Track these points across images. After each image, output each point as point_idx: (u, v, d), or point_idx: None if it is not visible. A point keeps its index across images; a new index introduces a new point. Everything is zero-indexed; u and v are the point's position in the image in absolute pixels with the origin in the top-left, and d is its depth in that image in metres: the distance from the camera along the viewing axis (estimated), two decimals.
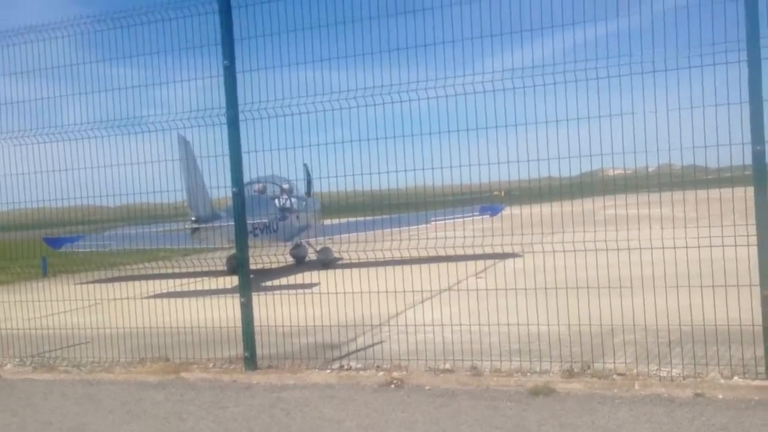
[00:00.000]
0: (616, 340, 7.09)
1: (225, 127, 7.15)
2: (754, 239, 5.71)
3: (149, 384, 6.95)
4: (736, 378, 5.69)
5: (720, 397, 5.36)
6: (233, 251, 8.41)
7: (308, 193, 17.87)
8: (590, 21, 6.15)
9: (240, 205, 7.25)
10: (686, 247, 6.17)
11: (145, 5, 7.53)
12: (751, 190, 5.73)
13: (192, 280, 15.15)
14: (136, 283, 13.07)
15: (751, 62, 5.58)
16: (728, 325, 6.01)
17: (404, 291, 7.38)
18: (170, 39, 7.48)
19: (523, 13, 6.30)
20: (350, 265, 11.42)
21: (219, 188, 7.52)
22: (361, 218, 15.74)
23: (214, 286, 14.07)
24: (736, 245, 5.90)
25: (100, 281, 14.54)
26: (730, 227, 5.99)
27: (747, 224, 5.76)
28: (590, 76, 6.09)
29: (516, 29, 6.38)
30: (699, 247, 6.05)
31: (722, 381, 5.66)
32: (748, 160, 5.79)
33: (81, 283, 12.96)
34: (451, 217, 15.72)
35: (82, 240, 16.96)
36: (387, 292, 7.56)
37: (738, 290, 6.06)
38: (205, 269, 10.80)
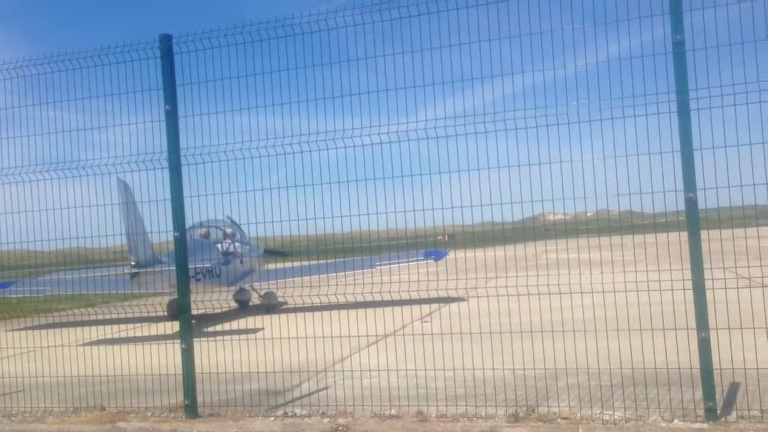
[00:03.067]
0: (560, 384, 7.15)
1: (166, 171, 7.07)
2: (689, 283, 5.87)
3: None
4: (676, 421, 5.78)
5: None
6: (174, 296, 8.23)
7: (272, 253, 17.94)
8: (528, 71, 6.35)
9: (182, 250, 7.13)
10: (625, 291, 6.30)
11: (88, 50, 7.48)
12: (685, 235, 5.92)
13: (131, 326, 14.75)
14: (72, 329, 12.66)
15: (680, 113, 5.81)
16: (668, 368, 6.13)
17: (349, 336, 7.31)
18: (112, 83, 7.43)
19: (463, 63, 6.47)
20: (295, 310, 11.31)
21: (160, 233, 7.40)
22: (306, 263, 15.67)
23: (153, 332, 13.72)
24: (672, 289, 6.06)
25: (34, 328, 14.03)
26: (667, 271, 6.16)
27: (682, 269, 5.93)
28: (530, 125, 6.24)
29: (457, 78, 6.54)
30: (638, 291, 6.19)
31: (663, 424, 5.75)
32: (682, 206, 5.98)
33: (13, 330, 12.49)
34: (396, 261, 15.75)
35: (15, 285, 16.41)
36: (332, 336, 7.50)
37: (676, 333, 6.21)
38: (145, 315, 10.55)
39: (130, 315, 10.06)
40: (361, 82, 6.82)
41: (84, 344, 11.92)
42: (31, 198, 7.75)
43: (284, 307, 16.09)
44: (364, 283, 8.27)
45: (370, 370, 7.83)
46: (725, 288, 5.86)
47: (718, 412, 5.75)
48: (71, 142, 7.71)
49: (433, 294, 7.17)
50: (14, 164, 7.77)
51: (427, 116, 6.65)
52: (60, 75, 7.64)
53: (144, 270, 13.29)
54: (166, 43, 7.08)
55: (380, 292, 7.45)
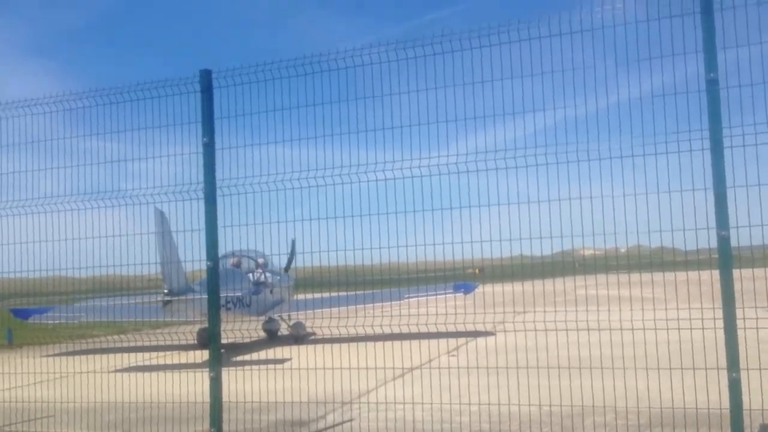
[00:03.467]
0: (587, 422, 7.07)
1: (202, 202, 7.22)
2: (721, 322, 5.80)
3: None
4: None
5: None
6: (205, 324, 8.33)
7: (287, 268, 17.90)
8: (560, 107, 6.40)
9: (213, 279, 7.24)
10: (655, 329, 6.24)
11: (130, 84, 7.72)
12: (717, 273, 5.86)
13: (161, 353, 14.90)
14: (104, 356, 12.86)
15: (714, 150, 5.80)
16: (697, 408, 6.04)
17: (376, 368, 7.33)
18: (153, 116, 7.65)
19: (495, 98, 6.54)
20: (323, 341, 11.35)
21: (194, 261, 7.54)
22: (335, 294, 15.71)
23: (183, 360, 13.84)
24: (703, 327, 5.99)
25: (68, 354, 14.26)
26: (698, 310, 6.10)
27: (713, 307, 5.87)
28: (561, 160, 6.28)
29: (489, 113, 6.61)
30: (668, 329, 6.12)
31: None
32: (714, 244, 5.94)
33: (48, 356, 12.70)
34: (425, 294, 15.73)
35: (51, 311, 16.70)
36: (359, 368, 7.51)
37: (706, 372, 6.12)
38: (175, 343, 10.69)
39: (161, 342, 10.19)
40: (385, 117, 6.96)
41: (115, 371, 12.07)
42: (73, 226, 7.96)
43: (312, 337, 16.13)
44: (392, 315, 8.29)
45: (395, 403, 7.83)
46: (757, 327, 5.78)
47: None
48: (112, 172, 7.94)
49: (462, 327, 7.18)
50: (56, 193, 8.00)
51: (459, 150, 6.73)
52: (102, 108, 7.90)
53: (177, 298, 13.45)
54: (206, 78, 7.29)
55: (408, 324, 7.48)
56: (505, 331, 7.43)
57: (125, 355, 13.96)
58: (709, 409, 5.96)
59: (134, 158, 7.82)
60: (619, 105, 6.22)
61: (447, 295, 15.72)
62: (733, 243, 5.86)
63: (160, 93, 7.49)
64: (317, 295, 18.18)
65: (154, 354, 14.92)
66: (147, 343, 11.38)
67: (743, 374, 5.66)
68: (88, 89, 7.92)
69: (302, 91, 7.16)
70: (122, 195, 7.77)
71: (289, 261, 16.82)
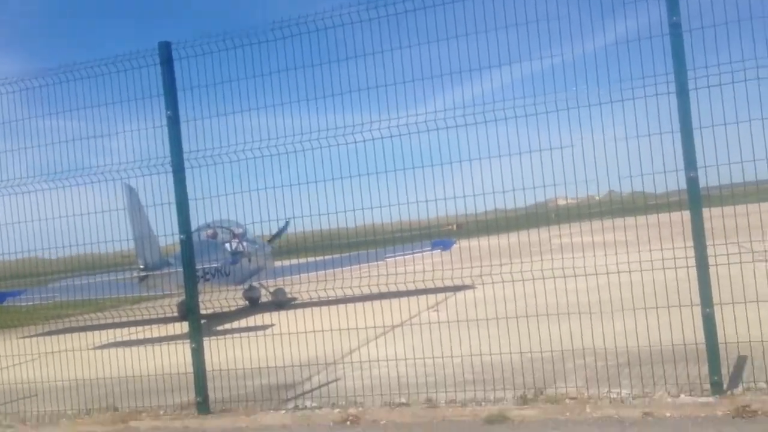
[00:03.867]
0: (568, 365, 7.20)
1: (171, 175, 7.15)
2: (693, 261, 5.90)
3: None
4: (682, 396, 5.83)
5: (668, 415, 5.48)
6: (184, 297, 8.30)
7: (271, 240, 17.99)
8: (527, 60, 6.38)
9: (188, 252, 7.21)
10: (629, 271, 6.34)
11: (90, 60, 7.59)
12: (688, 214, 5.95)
13: (141, 328, 14.85)
14: (83, 334, 12.73)
15: (679, 93, 5.84)
16: (673, 345, 6.16)
17: (357, 328, 7.38)
18: (114, 92, 7.53)
19: (461, 54, 6.49)
20: (304, 305, 11.36)
21: (167, 236, 7.49)
22: (314, 259, 15.72)
23: (165, 333, 13.81)
24: (676, 267, 6.09)
25: (46, 334, 14.14)
26: (670, 250, 6.19)
27: (685, 247, 5.96)
28: (530, 112, 6.28)
29: (456, 70, 6.56)
30: (641, 270, 6.21)
31: (669, 400, 5.79)
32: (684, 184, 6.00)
33: (25, 337, 12.60)
34: (404, 253, 15.79)
35: (25, 293, 16.53)
36: (341, 329, 7.56)
37: (680, 310, 6.25)
38: (155, 317, 10.66)
39: (140, 317, 10.15)
40: (360, 79, 6.89)
41: (95, 348, 12.03)
42: (40, 206, 7.85)
43: (294, 303, 16.16)
44: (370, 276, 8.33)
45: (379, 361, 7.90)
46: (728, 263, 5.90)
47: (725, 385, 5.80)
48: (76, 150, 7.81)
49: (441, 283, 7.23)
50: (22, 175, 7.88)
51: (427, 109, 6.70)
52: (63, 86, 7.75)
53: (152, 272, 13.38)
54: (165, 50, 7.18)
55: (387, 284, 7.51)
56: (483, 284, 7.50)
57: (105, 332, 13.89)
58: (685, 345, 6.08)
59: (99, 135, 7.71)
60: (584, 55, 6.21)
61: (426, 253, 15.80)
62: (702, 183, 5.94)
63: (119, 68, 7.39)
64: (297, 261, 18.20)
65: (134, 329, 14.86)
66: (127, 319, 11.34)
67: (717, 309, 5.79)
68: (47, 68, 7.76)
69: (272, 57, 7.07)
70: (90, 172, 7.67)
71: (276, 236, 16.88)
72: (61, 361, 8.76)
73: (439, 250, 15.32)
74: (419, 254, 15.69)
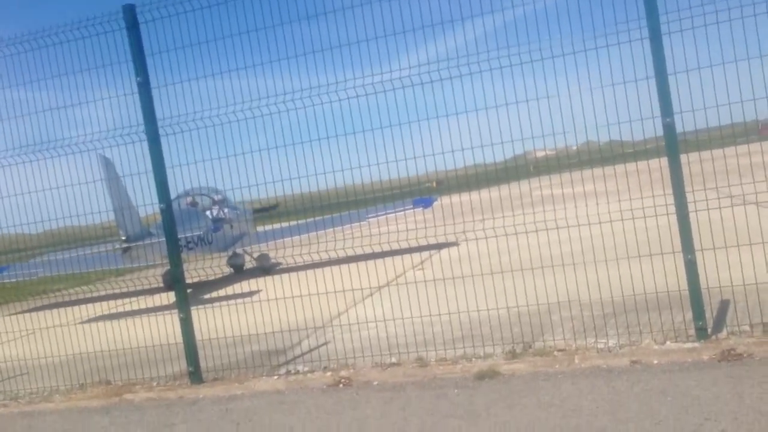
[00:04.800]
0: (555, 318, 7.29)
1: (146, 144, 7.04)
2: (673, 208, 5.95)
3: (92, 409, 6.80)
4: (668, 343, 5.93)
5: (655, 362, 5.58)
6: (169, 266, 8.26)
7: (257, 210, 17.96)
8: (498, 10, 6.32)
9: (169, 221, 7.15)
10: (610, 221, 6.39)
11: (51, 26, 7.35)
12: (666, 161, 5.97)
13: (128, 300, 14.82)
14: (70, 309, 12.70)
15: (652, 38, 5.81)
16: (657, 293, 6.25)
17: (344, 290, 7.41)
18: (80, 59, 7.34)
19: (433, 8, 6.40)
20: (290, 269, 11.37)
21: (147, 205, 7.40)
22: (296, 222, 15.69)
23: (152, 304, 13.81)
24: (656, 215, 6.15)
25: (32, 310, 14.06)
26: (651, 198, 6.24)
27: (665, 194, 6.00)
28: (504, 64, 6.24)
29: (427, 23, 6.48)
30: (622, 219, 6.26)
31: (656, 347, 5.89)
32: (661, 131, 6.02)
33: (11, 314, 12.54)
34: (385, 212, 15.80)
35: (7, 270, 16.42)
36: (328, 292, 7.59)
37: (662, 258, 6.32)
38: (141, 288, 10.64)
39: (126, 290, 10.12)
40: (332, 36, 6.76)
41: (83, 322, 12.00)
42: (14, 181, 7.73)
43: (279, 267, 16.18)
44: (354, 237, 8.33)
45: (368, 322, 7.96)
46: (708, 209, 5.94)
47: (709, 330, 5.91)
48: (47, 122, 7.63)
49: (425, 241, 7.25)
50: None
51: (401, 65, 6.63)
52: (27, 55, 7.54)
53: (134, 244, 13.30)
54: (130, 14, 6.98)
55: (371, 245, 7.52)
56: (467, 240, 7.52)
57: (92, 305, 13.85)
58: (668, 292, 6.17)
59: (68, 105, 7.53)
60: (556, 3, 6.15)
61: (407, 212, 15.81)
62: (680, 129, 5.95)
63: (84, 33, 7.17)
64: (279, 226, 18.16)
65: (121, 302, 14.84)
66: (113, 292, 11.31)
67: (699, 255, 5.86)
68: (6, 37, 7.54)
69: (241, 17, 6.91)
70: (62, 144, 7.53)
71: (261, 210, 16.85)
72: (50, 337, 8.75)
73: (420, 208, 15.34)
74: (401, 213, 15.71)
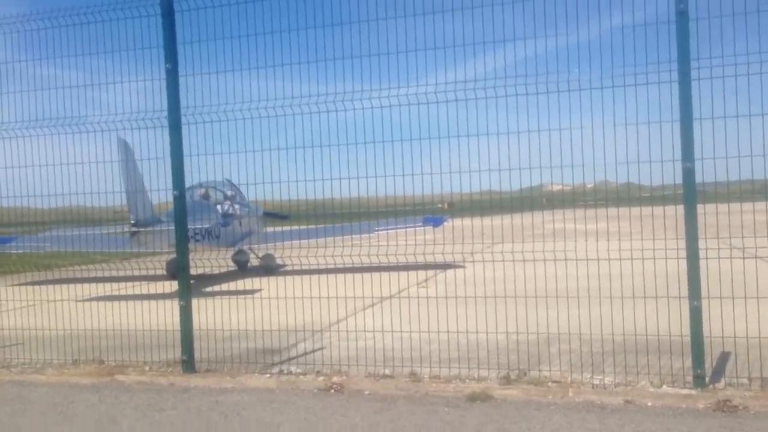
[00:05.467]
0: (553, 349, 7.26)
1: (167, 130, 7.08)
2: (683, 253, 5.93)
3: (83, 386, 6.80)
4: (665, 387, 5.89)
5: (649, 404, 5.54)
6: (173, 256, 8.30)
7: (269, 213, 18.06)
8: (531, 38, 6.33)
9: (181, 209, 7.18)
10: (620, 259, 6.37)
11: (85, 5, 7.42)
12: (682, 209, 5.95)
13: (130, 283, 14.87)
14: (72, 285, 12.78)
15: (681, 82, 5.81)
16: (659, 336, 6.23)
17: (346, 297, 7.40)
18: (112, 40, 7.40)
19: (465, 28, 6.45)
20: (293, 272, 11.38)
21: (160, 191, 7.43)
22: (306, 227, 15.72)
23: (153, 291, 13.85)
24: (666, 258, 6.12)
25: (35, 283, 14.15)
26: (662, 241, 6.22)
27: (677, 239, 5.98)
28: (531, 91, 6.24)
29: (460, 43, 6.53)
30: (632, 259, 6.24)
31: (652, 389, 5.85)
32: (680, 180, 6.00)
33: (14, 285, 12.60)
34: (395, 227, 15.82)
35: (15, 241, 16.50)
36: (329, 298, 7.59)
37: (668, 301, 6.30)
38: (144, 273, 10.68)
39: (129, 273, 10.15)
40: (363, 45, 6.80)
41: (84, 300, 12.04)
42: (32, 153, 7.78)
43: (283, 269, 16.19)
44: (361, 246, 8.33)
45: (365, 332, 7.94)
46: (719, 258, 5.92)
47: (707, 379, 5.86)
48: (71, 98, 7.67)
49: (432, 259, 7.25)
50: (14, 119, 7.78)
51: (428, 81, 6.65)
52: (60, 31, 7.61)
53: (143, 229, 13.35)
54: (167, 1, 7.04)
55: (377, 255, 7.53)
56: (474, 262, 7.52)
57: (94, 285, 13.93)
58: (670, 336, 6.14)
59: (95, 83, 7.60)
60: (589, 37, 6.18)
61: (416, 229, 15.83)
62: (699, 179, 5.94)
63: (119, 15, 7.22)
64: (287, 228, 18.20)
65: (123, 284, 14.89)
66: (116, 274, 11.36)
67: (705, 304, 5.83)
68: (41, 10, 7.61)
69: (275, 16, 6.97)
70: (83, 122, 7.58)
71: (272, 214, 16.97)
72: (49, 310, 8.80)
73: (430, 227, 15.36)
74: (410, 229, 15.73)
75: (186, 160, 7.16)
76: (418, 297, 7.54)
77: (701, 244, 5.85)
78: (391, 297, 10.76)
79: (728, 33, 5.83)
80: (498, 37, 6.42)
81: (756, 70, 5.69)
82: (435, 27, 6.56)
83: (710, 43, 5.91)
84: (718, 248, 5.94)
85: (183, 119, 7.10)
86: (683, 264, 5.89)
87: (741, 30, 5.77)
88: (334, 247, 8.20)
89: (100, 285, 14.28)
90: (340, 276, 7.82)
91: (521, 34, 6.37)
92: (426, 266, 11.32)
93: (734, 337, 6.00)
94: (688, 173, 5.84)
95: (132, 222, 13.28)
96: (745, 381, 5.86)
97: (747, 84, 5.79)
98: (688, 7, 5.85)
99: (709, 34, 5.92)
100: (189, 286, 7.18)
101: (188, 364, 7.02)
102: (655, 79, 5.87)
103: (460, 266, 14.02)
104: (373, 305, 10.15)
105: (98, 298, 12.25)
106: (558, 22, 6.22)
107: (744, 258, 6.23)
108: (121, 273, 9.63)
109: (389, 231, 15.57)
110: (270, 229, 19.29)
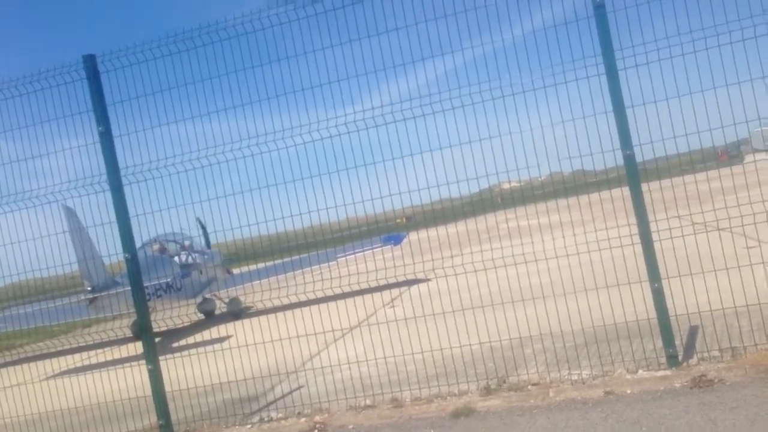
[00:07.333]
0: (527, 351, 7.29)
1: (109, 194, 6.96)
2: (637, 237, 6.03)
3: None
4: (640, 371, 5.96)
5: (628, 392, 5.59)
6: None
7: (208, 245, 17.64)
8: (458, 50, 6.42)
9: (135, 270, 7.05)
10: (577, 253, 6.44)
11: (14, 77, 7.28)
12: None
13: (96, 352, 14.51)
14: (35, 364, 12.42)
15: (609, 74, 5.94)
16: (627, 322, 6.29)
17: (316, 333, 7.34)
18: (47, 108, 7.28)
19: (393, 50, 6.49)
20: (261, 313, 11.23)
21: (111, 255, 7.30)
22: (266, 264, 15.55)
23: (120, 356, 13.52)
24: (621, 245, 6.22)
25: None
26: (615, 228, 6.31)
27: (629, 224, 6.08)
28: (466, 102, 6.32)
29: (389, 65, 6.57)
30: (589, 251, 6.31)
31: (628, 376, 5.91)
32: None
33: None
34: (354, 251, 15.77)
35: None
36: (299, 336, 7.50)
37: (630, 287, 6.38)
38: (110, 339, 10.43)
39: (93, 342, 9.91)
40: (294, 80, 6.81)
41: (48, 378, 11.70)
42: None
43: (251, 311, 16.00)
44: (323, 279, 8.27)
45: (341, 364, 7.88)
46: (671, 237, 6.03)
47: (680, 357, 5.95)
48: (8, 174, 7.53)
49: (395, 279, 7.23)
50: None
51: (364, 107, 6.67)
52: None
53: (100, 294, 13.07)
54: (90, 63, 6.94)
55: (340, 286, 7.49)
56: (436, 277, 7.51)
57: (59, 359, 13.55)
58: (638, 320, 6.22)
59: (31, 156, 7.46)
60: (514, 42, 6.27)
61: (375, 250, 15.79)
62: (640, 158, 6.07)
63: (44, 85, 7.12)
64: (248, 269, 17.99)
65: (87, 354, 14.52)
66: (79, 344, 11.07)
67: (666, 283, 5.93)
68: None
69: (203, 63, 6.92)
70: (26, 197, 7.42)
71: (206, 238, 16.65)
72: (14, 395, 8.51)
73: (390, 245, 15.35)
74: (372, 250, 15.69)
75: (134, 220, 7.06)
76: (387, 321, 7.51)
77: (653, 225, 5.96)
78: (360, 324, 10.70)
79: (645, 18, 6.00)
80: (426, 54, 6.48)
81: (678, 52, 5.84)
82: (362, 53, 6.60)
83: (630, 32, 6.06)
84: (669, 228, 6.05)
85: (124, 179, 7.00)
86: (638, 247, 5.99)
87: (657, 15, 5.93)
88: (295, 283, 8.13)
89: (65, 358, 13.88)
90: (307, 310, 7.74)
91: (447, 48, 6.43)
92: (391, 286, 11.28)
93: (699, 311, 6.11)
94: (629, 160, 5.97)
95: (88, 288, 13.00)
96: (717, 353, 5.96)
97: (671, 66, 5.94)
98: (604, 0, 5.98)
99: (628, 23, 6.07)
100: (155, 347, 7.04)
101: (166, 428, 6.87)
102: (584, 74, 5.99)
103: (426, 281, 14.01)
104: (344, 335, 10.07)
105: (64, 373, 11.93)
106: (481, 32, 6.32)
107: (695, 233, 6.36)
108: (84, 343, 9.38)
109: (350, 256, 15.53)
110: (232, 271, 19.04)
